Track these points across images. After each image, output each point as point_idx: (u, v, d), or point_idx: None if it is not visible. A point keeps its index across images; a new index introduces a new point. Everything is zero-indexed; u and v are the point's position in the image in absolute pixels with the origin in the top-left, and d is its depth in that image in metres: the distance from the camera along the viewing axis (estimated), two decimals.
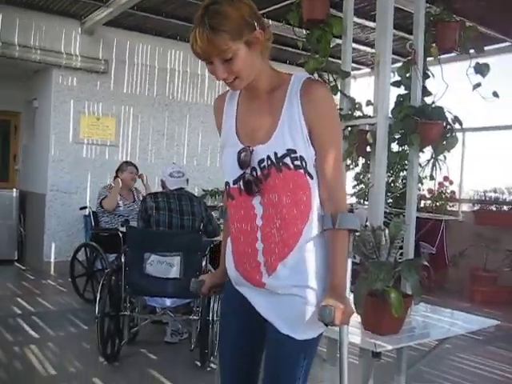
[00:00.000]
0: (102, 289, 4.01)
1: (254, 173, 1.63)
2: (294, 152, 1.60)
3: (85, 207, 6.57)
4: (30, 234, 7.95)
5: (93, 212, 5.98)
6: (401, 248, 2.83)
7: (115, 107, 7.63)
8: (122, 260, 4.07)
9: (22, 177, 8.42)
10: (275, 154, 1.60)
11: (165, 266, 3.91)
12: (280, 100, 1.65)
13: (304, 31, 3.36)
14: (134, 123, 7.82)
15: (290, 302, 1.65)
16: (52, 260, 7.32)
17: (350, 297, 1.75)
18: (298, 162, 1.60)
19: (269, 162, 1.61)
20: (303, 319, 1.64)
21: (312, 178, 1.64)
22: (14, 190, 8.07)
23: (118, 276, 4.09)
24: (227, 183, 1.71)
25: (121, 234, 4.81)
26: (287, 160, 1.60)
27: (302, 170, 1.61)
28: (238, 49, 1.54)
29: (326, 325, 1.57)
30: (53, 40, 7.13)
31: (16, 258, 8.02)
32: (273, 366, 1.70)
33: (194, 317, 4.14)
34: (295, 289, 1.64)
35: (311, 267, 1.65)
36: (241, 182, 1.65)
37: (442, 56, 3.40)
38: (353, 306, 1.68)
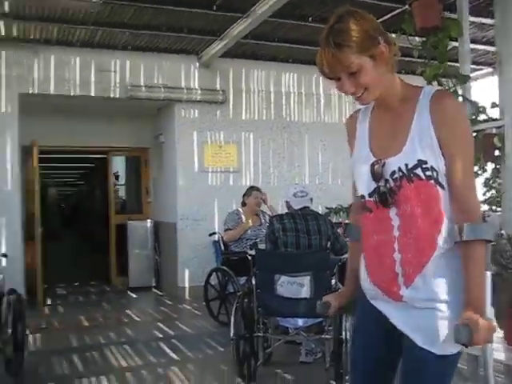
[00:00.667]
0: (235, 311, 4.12)
1: (388, 185, 1.65)
2: (425, 163, 1.60)
3: (214, 233, 6.83)
4: (165, 261, 8.38)
5: (222, 237, 6.20)
6: None
7: (235, 134, 7.90)
8: (253, 282, 4.16)
9: (154, 208, 8.94)
10: (406, 165, 1.61)
11: (295, 286, 3.94)
12: (410, 112, 1.66)
13: (417, 38, 3.29)
14: (255, 148, 8.03)
15: (427, 316, 1.60)
16: (186, 285, 7.65)
17: (492, 311, 1.63)
18: (429, 173, 1.60)
19: (400, 173, 1.62)
20: (442, 334, 1.58)
21: (443, 188, 1.62)
22: (148, 220, 8.59)
23: (250, 298, 4.18)
24: (362, 196, 1.74)
25: (250, 257, 4.92)
26: (418, 171, 1.60)
27: (432, 181, 1.60)
28: (363, 62, 1.58)
29: (465, 345, 1.48)
30: (174, 77, 7.57)
31: (154, 284, 8.50)
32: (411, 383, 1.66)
33: (327, 336, 4.11)
34: (432, 302, 1.60)
35: (448, 280, 1.61)
36: (376, 195, 1.68)
37: None
38: (494, 320, 1.58)
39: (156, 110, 8.25)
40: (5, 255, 5.03)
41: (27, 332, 4.63)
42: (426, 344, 1.59)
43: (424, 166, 1.60)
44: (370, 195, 1.70)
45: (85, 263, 12.47)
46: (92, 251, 14.28)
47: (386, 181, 1.65)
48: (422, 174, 1.60)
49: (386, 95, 1.69)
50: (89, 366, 4.71)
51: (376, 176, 1.66)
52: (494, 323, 1.52)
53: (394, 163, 1.64)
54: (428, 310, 1.60)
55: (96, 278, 9.53)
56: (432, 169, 1.60)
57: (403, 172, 1.62)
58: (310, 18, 6.37)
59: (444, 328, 1.58)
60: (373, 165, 1.67)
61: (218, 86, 7.83)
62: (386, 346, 1.76)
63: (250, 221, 5.93)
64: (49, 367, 4.68)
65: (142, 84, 7.39)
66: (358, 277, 1.83)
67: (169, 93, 7.51)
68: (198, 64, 7.69)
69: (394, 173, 1.64)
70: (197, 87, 7.69)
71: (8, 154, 6.77)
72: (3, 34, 6.48)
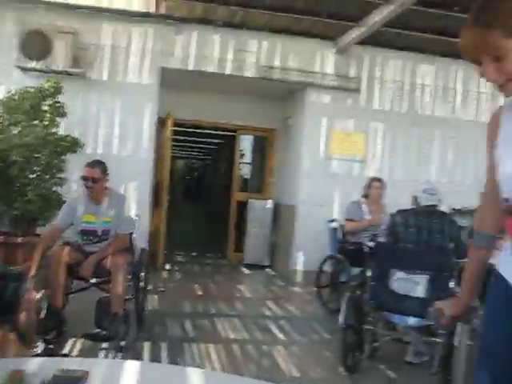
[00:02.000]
0: (347, 301, 4.09)
1: None
2: None
3: (333, 220, 6.80)
4: (281, 242, 8.49)
5: (340, 225, 6.16)
6: None
7: (365, 123, 7.75)
8: (368, 274, 4.10)
9: (275, 189, 9.06)
10: None
11: (411, 283, 3.84)
12: None
13: None
14: (383, 139, 7.84)
15: None
16: (299, 268, 7.70)
17: None
18: None
19: None
20: None
21: None
22: (269, 201, 8.73)
23: (363, 290, 4.13)
24: (507, 200, 1.57)
25: (367, 249, 4.85)
26: None
27: None
28: (510, 46, 1.42)
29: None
30: (308, 61, 7.57)
31: (267, 264, 8.66)
32: None
33: (438, 339, 3.96)
34: None
35: None
36: None
37: None
38: None
39: (287, 93, 8.31)
40: (138, 215, 5.36)
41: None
42: None
43: None
44: None
45: (204, 235, 13.02)
46: (211, 224, 14.85)
47: None
48: None
49: None
50: (199, 333, 4.93)
51: None
52: None
53: None
54: None
55: (213, 250, 9.90)
56: None
57: None
58: (456, 8, 6.05)
59: None
60: None
61: (351, 73, 7.71)
62: None
63: (378, 218, 5.78)
64: (163, 328, 4.96)
65: (276, 65, 7.47)
66: (476, 286, 1.76)
67: (302, 76, 7.53)
68: (333, 50, 7.62)
69: None
70: (330, 73, 7.63)
71: (146, 123, 7.17)
72: (153, 11, 6.83)
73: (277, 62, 7.49)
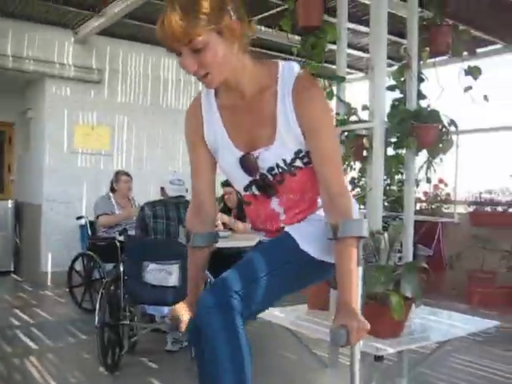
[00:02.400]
0: (101, 298, 4.00)
1: (266, 179, 1.62)
2: (300, 151, 1.57)
3: (81, 217, 6.56)
4: (26, 244, 7.92)
5: (89, 221, 5.98)
6: (399, 251, 2.85)
7: (109, 116, 7.63)
8: (121, 269, 4.06)
9: (17, 187, 8.40)
10: (284, 160, 1.58)
11: (164, 274, 3.91)
12: (272, 100, 1.54)
13: (296, 37, 3.39)
14: (129, 132, 7.82)
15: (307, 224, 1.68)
16: (49, 270, 7.30)
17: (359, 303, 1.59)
18: (306, 159, 1.59)
19: (279, 169, 1.59)
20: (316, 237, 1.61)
21: None
22: (10, 200, 8.04)
23: (117, 285, 4.08)
24: (238, 192, 1.75)
25: (118, 243, 4.80)
26: (297, 162, 1.59)
27: (311, 164, 1.58)
28: (210, 38, 1.38)
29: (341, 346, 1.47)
30: (46, 50, 7.13)
31: (12, 269, 7.98)
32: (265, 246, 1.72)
33: None
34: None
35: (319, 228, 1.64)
36: (253, 188, 1.66)
37: (436, 59, 3.44)
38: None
39: (25, 83, 7.73)
40: None
41: None
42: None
43: (301, 155, 1.58)
44: (246, 189, 1.68)
45: None
46: None
47: (263, 175, 1.62)
48: (301, 164, 1.59)
49: (236, 79, 1.52)
50: None
51: (250, 171, 1.61)
52: (367, 323, 1.47)
53: (270, 159, 1.58)
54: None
55: None
56: (307, 154, 1.57)
57: (283, 168, 1.59)
58: None
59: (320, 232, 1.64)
60: (242, 160, 1.60)
61: (93, 65, 7.51)
62: None
63: (129, 212, 5.72)
64: None
65: (9, 53, 6.88)
66: (200, 285, 1.78)
67: (39, 66, 7.06)
68: (73, 39, 7.31)
69: (271, 169, 1.59)
70: (71, 63, 7.31)
71: None
72: None
73: (10, 50, 6.90)
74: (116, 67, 7.70)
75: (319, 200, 1.64)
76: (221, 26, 1.38)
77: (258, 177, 1.62)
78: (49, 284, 7.21)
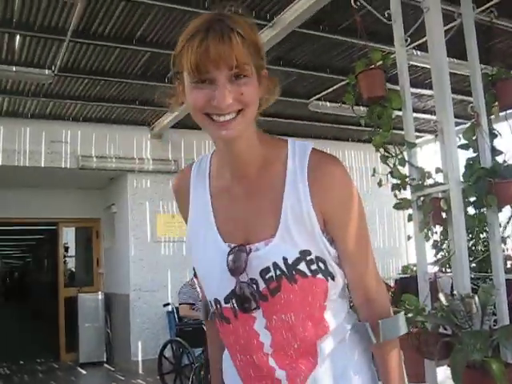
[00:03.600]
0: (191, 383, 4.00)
1: (254, 286, 1.16)
2: (309, 253, 1.16)
3: (168, 304, 6.70)
4: (117, 334, 8.11)
5: (176, 308, 6.08)
6: (494, 314, 2.71)
7: None
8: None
9: (106, 279, 8.73)
10: (285, 259, 1.15)
11: None
12: (278, 179, 1.19)
13: (362, 108, 3.45)
14: None
15: None
16: (139, 359, 7.40)
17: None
18: (314, 266, 1.17)
19: (277, 271, 1.15)
20: None
21: (333, 277, 1.21)
22: (99, 292, 8.36)
23: (207, 370, 4.08)
24: (217, 301, 1.22)
25: (205, 327, 4.84)
26: (302, 266, 1.15)
27: (321, 275, 1.18)
28: (253, 71, 1.11)
29: None
30: (126, 147, 7.61)
31: (105, 359, 8.16)
32: None
33: None
34: None
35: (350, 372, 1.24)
36: (234, 300, 1.18)
37: (507, 111, 3.39)
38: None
39: (108, 180, 8.22)
40: None
41: None
42: None
43: (308, 257, 1.16)
44: (227, 300, 1.19)
45: (31, 339, 11.91)
46: (39, 325, 13.70)
47: (252, 280, 1.16)
48: (307, 270, 1.16)
49: (245, 150, 1.18)
50: None
51: (235, 270, 1.16)
52: None
53: (266, 256, 1.16)
54: None
55: (44, 354, 9.08)
56: (318, 259, 1.17)
57: (282, 270, 1.15)
58: None
59: None
60: (232, 254, 1.17)
61: (169, 156, 7.89)
62: None
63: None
64: None
65: (93, 154, 7.38)
66: (221, 368, 1.39)
67: (120, 163, 7.52)
68: (149, 135, 7.77)
69: (267, 270, 1.15)
70: (149, 157, 7.74)
71: None
72: None
73: (94, 151, 7.41)
74: (191, 156, 8.04)
75: (319, 345, 1.21)
76: (259, 70, 1.14)
77: (243, 281, 1.16)
78: (140, 372, 7.29)
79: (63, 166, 7.26)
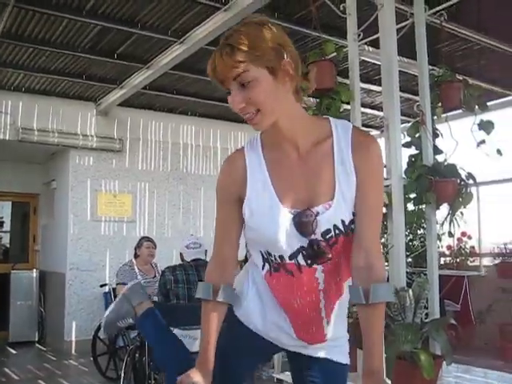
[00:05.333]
0: (126, 366, 3.97)
1: (318, 246, 1.43)
2: (354, 215, 1.44)
3: (105, 284, 6.59)
4: (51, 313, 7.93)
5: (113, 289, 5.99)
6: (425, 308, 2.81)
7: (131, 184, 7.78)
8: None
9: (41, 257, 8.50)
10: (343, 221, 1.42)
11: (188, 339, 3.87)
12: (327, 153, 1.43)
13: (312, 99, 3.48)
14: (150, 199, 7.94)
15: (339, 342, 1.66)
16: (73, 339, 7.26)
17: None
18: (353, 225, 1.45)
19: (337, 231, 1.42)
20: (346, 351, 1.68)
21: None
22: (34, 270, 8.12)
23: (142, 352, 4.05)
24: (281, 257, 1.47)
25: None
26: (352, 225, 1.44)
27: (352, 232, 1.47)
28: (259, 74, 1.33)
29: None
30: (69, 123, 7.38)
31: (36, 339, 7.95)
32: None
33: None
34: (338, 340, 1.65)
35: (344, 315, 1.68)
36: (300, 256, 1.45)
37: (449, 113, 3.49)
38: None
39: (49, 155, 7.96)
40: None
41: None
42: (339, 359, 1.65)
43: (353, 217, 1.44)
44: (292, 257, 1.45)
45: None
46: None
47: (315, 240, 1.42)
48: (352, 227, 1.44)
49: (292, 126, 1.42)
50: None
51: (305, 232, 1.41)
52: None
53: (326, 220, 1.41)
54: (335, 347, 1.65)
55: None
56: (353, 221, 1.45)
57: (340, 230, 1.42)
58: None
59: (346, 349, 1.69)
60: (300, 216, 1.41)
61: (115, 135, 7.72)
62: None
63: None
64: None
65: (34, 127, 7.13)
66: (213, 350, 1.55)
67: (63, 138, 7.29)
68: (95, 111, 7.57)
69: (327, 231, 1.42)
70: (93, 134, 7.54)
71: None
72: None
73: (35, 124, 7.16)
74: (137, 136, 7.91)
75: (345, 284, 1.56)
76: (273, 64, 1.33)
77: (312, 239, 1.43)
78: (73, 353, 7.16)
79: (1, 138, 6.97)
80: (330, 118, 1.49)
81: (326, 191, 1.42)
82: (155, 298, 4.78)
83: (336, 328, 1.61)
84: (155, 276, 5.82)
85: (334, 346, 1.64)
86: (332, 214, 1.41)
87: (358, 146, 1.42)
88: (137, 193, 7.84)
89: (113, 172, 7.68)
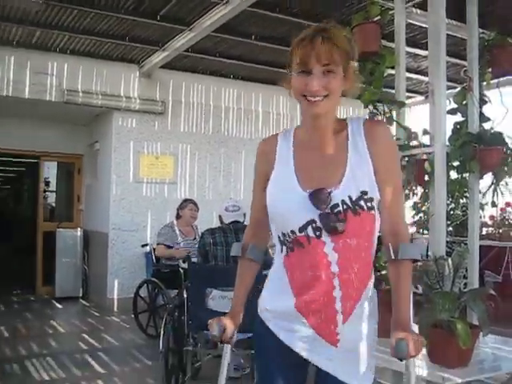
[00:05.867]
0: (165, 324, 4.07)
1: (327, 219, 1.58)
2: (366, 193, 1.59)
3: (146, 244, 6.74)
4: (94, 271, 8.18)
5: (154, 249, 6.12)
6: (465, 277, 2.77)
7: (173, 146, 7.85)
8: (184, 295, 4.13)
9: (85, 216, 8.73)
10: (350, 197, 1.58)
11: (226, 300, 3.94)
12: (343, 142, 1.66)
13: (356, 64, 3.40)
14: (192, 161, 8.01)
15: (352, 357, 1.64)
16: (115, 297, 7.49)
17: (415, 329, 1.72)
18: (369, 204, 1.59)
19: (344, 206, 1.58)
20: (362, 369, 1.65)
21: (379, 216, 1.65)
22: (78, 229, 8.37)
23: (181, 311, 4.15)
24: (292, 232, 1.63)
25: (182, 270, 4.89)
26: (362, 202, 1.58)
27: (373, 211, 1.61)
28: (339, 69, 1.59)
29: (401, 360, 1.55)
30: (113, 85, 7.46)
31: (80, 294, 8.26)
32: None
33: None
34: (360, 342, 1.64)
35: (371, 315, 1.67)
36: (310, 228, 1.60)
37: (500, 79, 3.36)
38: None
39: (93, 117, 8.09)
40: None
41: None
42: (350, 380, 1.63)
43: (365, 196, 1.58)
44: (302, 230, 1.61)
45: (9, 272, 11.96)
46: (17, 259, 13.73)
47: (323, 214, 1.58)
48: (365, 206, 1.58)
49: (329, 118, 1.66)
50: (8, 380, 4.51)
51: (320, 204, 1.58)
52: (422, 337, 1.58)
53: (336, 196, 1.58)
54: (355, 350, 1.64)
55: (20, 287, 9.14)
56: (371, 199, 1.59)
57: (347, 205, 1.58)
58: (253, 36, 6.46)
59: (367, 364, 1.66)
60: (315, 194, 1.59)
61: (157, 97, 7.77)
62: (290, 373, 1.73)
63: (182, 252, 5.77)
64: None
65: (79, 89, 7.24)
66: (243, 304, 1.84)
67: (107, 100, 7.38)
68: (138, 73, 7.61)
69: (335, 206, 1.58)
70: (136, 96, 7.60)
71: None
72: None
73: (80, 86, 7.26)
74: (179, 98, 7.94)
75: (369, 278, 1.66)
76: (346, 65, 1.60)
77: (319, 215, 1.59)
78: (115, 310, 7.40)
79: (48, 99, 7.10)
80: (348, 117, 1.74)
81: (338, 173, 1.62)
82: (195, 259, 4.87)
83: (354, 336, 1.63)
84: (195, 238, 5.92)
85: (346, 358, 1.64)
86: (340, 192, 1.59)
87: (369, 130, 1.65)
88: (178, 155, 7.91)
89: (155, 134, 7.76)
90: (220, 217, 4.58)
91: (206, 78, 8.05)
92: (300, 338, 1.66)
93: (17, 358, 5.09)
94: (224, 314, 3.91)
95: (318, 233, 1.59)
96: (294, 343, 1.66)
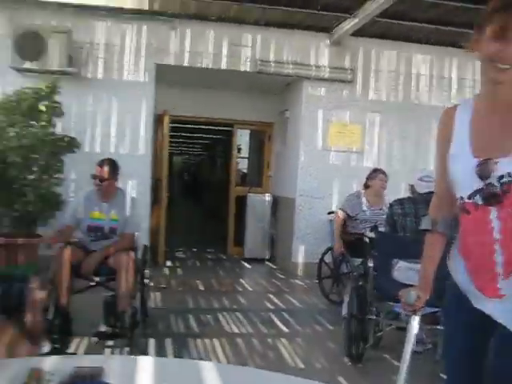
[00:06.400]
0: (350, 291, 4.12)
1: (492, 188, 1.62)
2: None
3: (332, 212, 6.82)
4: (281, 235, 8.51)
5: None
6: None
7: (361, 114, 7.77)
8: (370, 264, 4.12)
9: (274, 182, 9.08)
10: None
11: (412, 272, 3.85)
12: None
13: None
14: (380, 130, 7.85)
15: None
16: (300, 261, 7.74)
17: None
18: None
19: (509, 178, 1.59)
20: None
21: None
22: (267, 194, 8.76)
23: (365, 280, 4.15)
24: (461, 198, 1.71)
25: (367, 239, 4.88)
26: None
27: None
28: None
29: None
30: (303, 54, 7.57)
31: (268, 257, 8.69)
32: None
33: (441, 327, 3.99)
34: None
35: None
36: (478, 197, 1.66)
37: None
38: None
39: (284, 86, 8.32)
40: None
41: None
42: None
43: None
44: (470, 197, 1.67)
45: (203, 231, 13.02)
46: (211, 220, 14.86)
47: (490, 184, 1.63)
48: None
49: (506, 91, 1.63)
50: (203, 328, 4.96)
51: (483, 176, 1.63)
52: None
53: (503, 167, 1.61)
54: None
55: (213, 246, 9.92)
56: None
57: None
58: None
59: None
60: (480, 164, 1.64)
61: (346, 65, 7.72)
62: (476, 335, 1.79)
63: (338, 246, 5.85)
64: (167, 324, 4.99)
65: (271, 59, 7.48)
66: (432, 276, 1.93)
67: (297, 69, 7.53)
68: (328, 41, 7.62)
69: (502, 177, 1.61)
70: (326, 65, 7.64)
71: (142, 120, 7.18)
72: (146, 8, 6.83)
73: (272, 56, 7.50)
74: (368, 66, 7.80)
75: None
76: None
77: (485, 184, 1.64)
78: (299, 274, 7.66)
79: (242, 70, 7.47)
80: None
81: (509, 145, 1.61)
82: (381, 229, 4.82)
83: None
84: (381, 208, 5.83)
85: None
86: (507, 163, 1.59)
87: None
88: (366, 124, 7.81)
89: (344, 102, 7.74)
90: (412, 186, 4.46)
91: (396, 44, 7.77)
92: (471, 297, 1.75)
93: (210, 310, 5.56)
94: (409, 286, 3.84)
95: (483, 201, 1.64)
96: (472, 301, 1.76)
